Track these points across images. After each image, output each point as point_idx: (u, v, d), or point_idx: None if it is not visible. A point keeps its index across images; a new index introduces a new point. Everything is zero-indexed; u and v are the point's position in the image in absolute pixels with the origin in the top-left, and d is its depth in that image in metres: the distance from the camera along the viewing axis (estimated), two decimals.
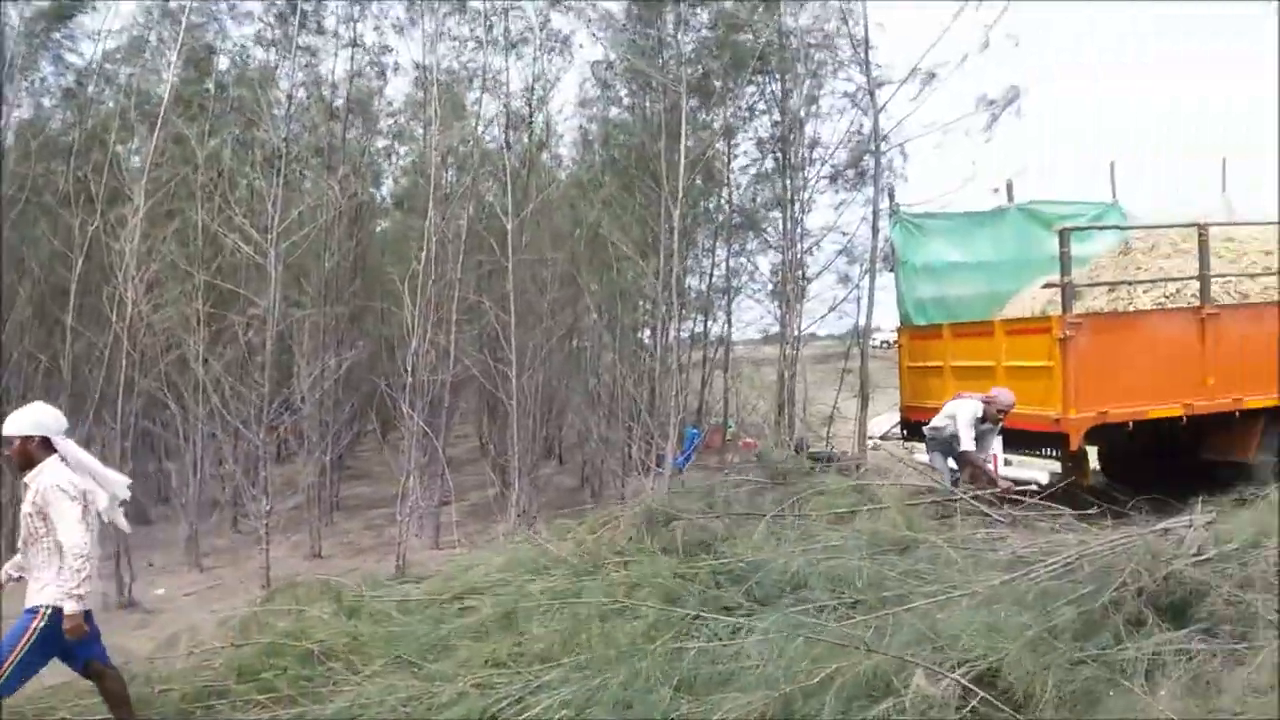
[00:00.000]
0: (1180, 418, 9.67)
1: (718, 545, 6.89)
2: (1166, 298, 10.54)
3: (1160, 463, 10.26)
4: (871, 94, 12.43)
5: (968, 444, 8.71)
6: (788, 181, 12.80)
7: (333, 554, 10.74)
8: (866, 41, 12.42)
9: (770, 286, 13.57)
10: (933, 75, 12.30)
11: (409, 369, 10.24)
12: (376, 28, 14.17)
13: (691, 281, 14.40)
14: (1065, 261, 9.70)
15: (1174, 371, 9.69)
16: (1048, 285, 10.13)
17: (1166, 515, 6.31)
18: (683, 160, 11.17)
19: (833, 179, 13.75)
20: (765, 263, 14.70)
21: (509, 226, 10.92)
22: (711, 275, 14.66)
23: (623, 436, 11.20)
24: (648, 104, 13.16)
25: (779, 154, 13.24)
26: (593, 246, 12.92)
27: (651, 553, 6.82)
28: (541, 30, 12.60)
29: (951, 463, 9.13)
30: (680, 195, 11.17)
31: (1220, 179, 13.45)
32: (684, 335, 13.39)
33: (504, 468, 11.61)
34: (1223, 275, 10.33)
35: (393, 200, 17.40)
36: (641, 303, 13.68)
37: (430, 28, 11.88)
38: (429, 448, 10.67)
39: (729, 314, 13.48)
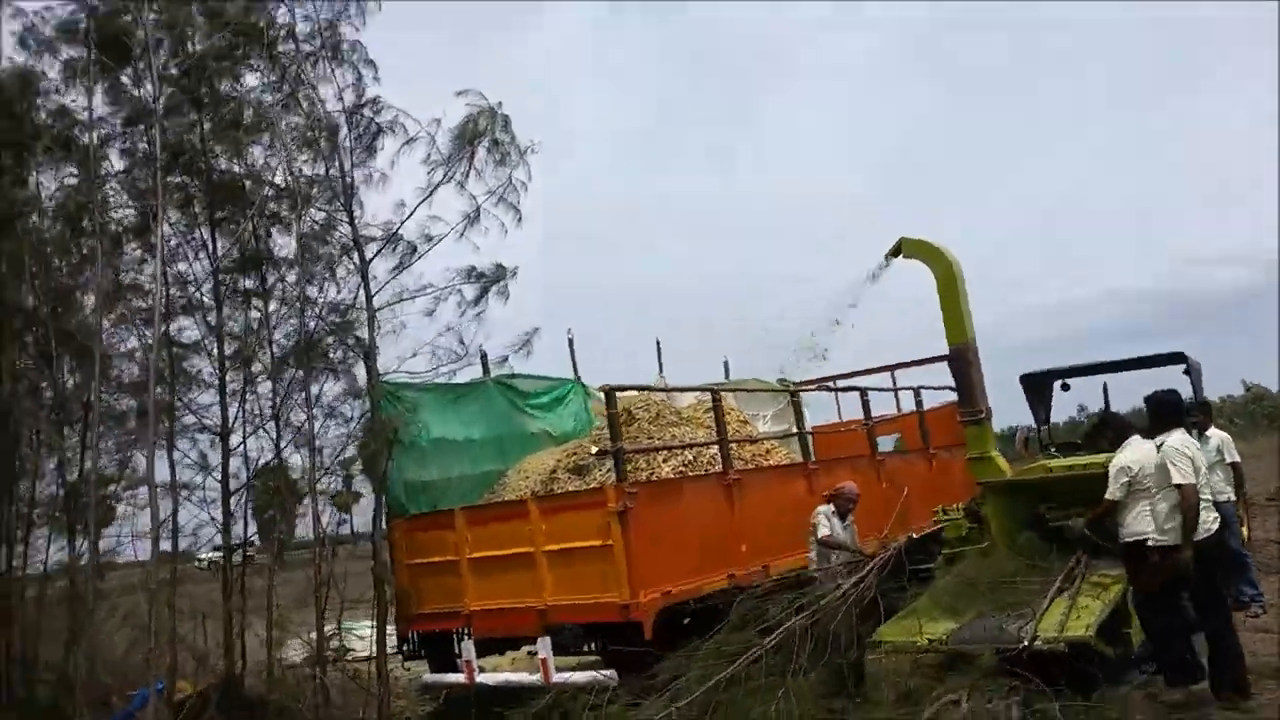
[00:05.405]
0: (727, 588, 9.24)
1: None
2: (685, 465, 10.41)
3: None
4: (359, 246, 10.67)
5: (825, 530, 8.97)
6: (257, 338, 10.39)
7: None
8: (350, 190, 10.75)
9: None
10: (429, 238, 11.09)
11: None
12: None
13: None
14: (615, 425, 8.97)
15: (715, 540, 9.38)
16: (600, 453, 9.34)
17: None
18: None
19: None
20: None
21: None
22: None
23: None
24: None
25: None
26: None
27: None
28: None
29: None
30: None
31: (656, 357, 14.33)
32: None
33: None
34: (738, 440, 10.53)
35: None
36: None
37: None
38: None
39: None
